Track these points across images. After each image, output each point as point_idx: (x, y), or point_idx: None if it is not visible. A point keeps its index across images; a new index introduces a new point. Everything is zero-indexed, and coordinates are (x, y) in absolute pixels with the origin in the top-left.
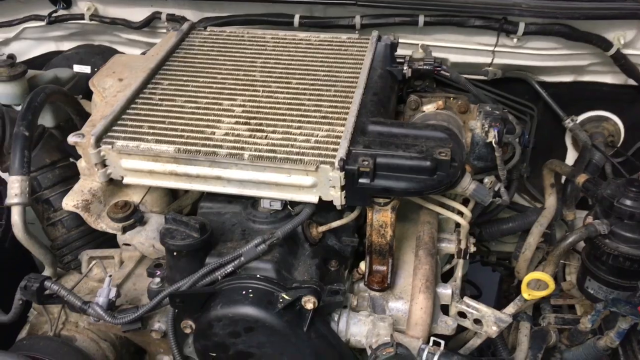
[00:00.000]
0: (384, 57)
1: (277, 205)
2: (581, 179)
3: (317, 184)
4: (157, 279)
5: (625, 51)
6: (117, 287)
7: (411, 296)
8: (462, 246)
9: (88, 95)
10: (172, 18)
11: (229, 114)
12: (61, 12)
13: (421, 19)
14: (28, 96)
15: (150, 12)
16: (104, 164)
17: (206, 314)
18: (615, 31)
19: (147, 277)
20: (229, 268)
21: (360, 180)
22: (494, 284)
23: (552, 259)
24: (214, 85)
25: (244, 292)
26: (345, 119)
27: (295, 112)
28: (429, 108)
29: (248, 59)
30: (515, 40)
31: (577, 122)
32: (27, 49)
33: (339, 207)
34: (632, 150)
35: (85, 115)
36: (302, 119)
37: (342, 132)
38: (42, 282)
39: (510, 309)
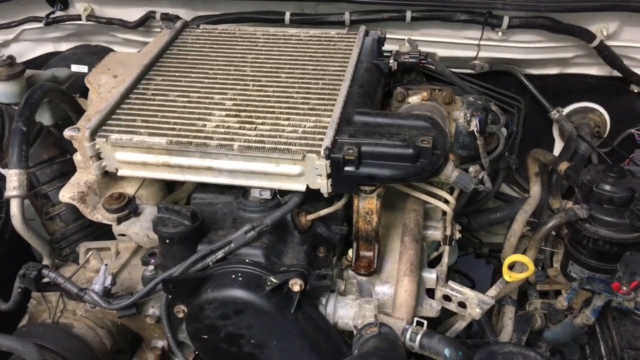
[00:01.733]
0: (371, 51)
1: (267, 195)
2: (563, 166)
3: (305, 172)
4: (151, 267)
5: (609, 43)
6: (113, 275)
7: (397, 280)
8: (448, 233)
9: (85, 93)
10: (166, 17)
11: (220, 107)
12: (58, 13)
13: (408, 15)
14: (26, 95)
15: (145, 11)
16: (98, 157)
17: (197, 297)
18: (599, 23)
19: (142, 265)
20: (220, 254)
21: (346, 169)
22: (489, 276)
23: (533, 243)
24: (206, 80)
25: (233, 276)
26: (331, 110)
27: (284, 105)
28: (414, 99)
29: (239, 55)
30: (500, 33)
31: (564, 113)
32: (26, 50)
33: (325, 195)
34: (617, 140)
35: (81, 113)
36: (291, 110)
37: (328, 122)
38: (40, 270)
39: (493, 291)
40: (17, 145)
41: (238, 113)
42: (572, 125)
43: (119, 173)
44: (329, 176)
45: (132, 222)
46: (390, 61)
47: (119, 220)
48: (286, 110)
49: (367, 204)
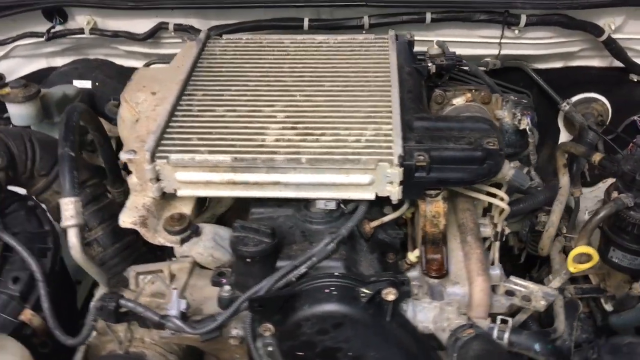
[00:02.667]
0: (406, 55)
1: (332, 205)
2: (597, 157)
3: (375, 181)
4: (227, 287)
5: (614, 36)
6: (186, 299)
7: (469, 280)
8: (499, 229)
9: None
10: (179, 28)
11: (273, 120)
12: (59, 27)
13: (428, 16)
14: (63, 116)
15: (154, 23)
16: (157, 178)
17: (292, 315)
18: (606, 18)
19: (211, 286)
20: (302, 269)
21: (417, 175)
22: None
23: (584, 233)
24: (249, 93)
25: (326, 291)
26: (389, 117)
27: (337, 114)
28: (458, 101)
29: (274, 65)
30: (516, 31)
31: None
32: (17, 67)
33: (394, 202)
34: (621, 127)
35: (103, 132)
36: (346, 120)
37: (389, 130)
38: (118, 300)
39: (556, 283)
40: (67, 172)
41: (294, 125)
42: (581, 116)
43: (179, 193)
44: (400, 183)
45: (195, 243)
46: (429, 64)
47: (182, 242)
48: (341, 120)
49: (434, 208)
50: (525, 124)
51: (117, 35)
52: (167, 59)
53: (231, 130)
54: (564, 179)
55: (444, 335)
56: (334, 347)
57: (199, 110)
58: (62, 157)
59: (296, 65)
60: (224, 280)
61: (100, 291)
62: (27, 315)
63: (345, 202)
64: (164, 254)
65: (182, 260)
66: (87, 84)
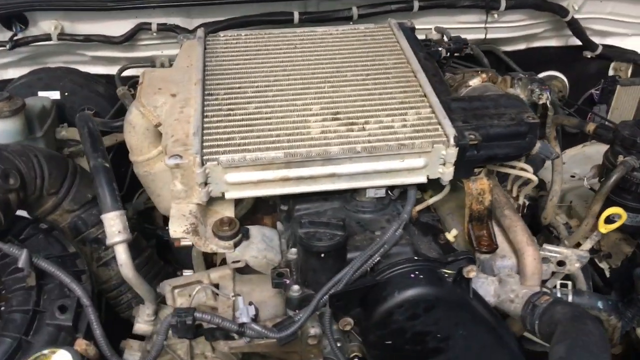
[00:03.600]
0: (415, 41)
1: (381, 193)
2: (591, 127)
3: (428, 164)
4: (295, 286)
5: (576, 16)
6: (254, 305)
7: (520, 251)
8: (520, 202)
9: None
10: (164, 27)
11: (310, 112)
12: (21, 34)
13: (416, 4)
14: (83, 128)
15: (133, 24)
16: (205, 182)
17: (381, 304)
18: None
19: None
20: (376, 258)
21: (468, 154)
22: None
23: (599, 197)
24: (274, 88)
25: (412, 276)
26: (423, 101)
27: (371, 102)
28: (474, 82)
29: (286, 58)
30: (495, 16)
31: None
32: None
33: (445, 183)
34: (580, 100)
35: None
36: (382, 107)
37: (429, 113)
38: (194, 314)
39: (588, 244)
40: (106, 184)
41: (334, 116)
42: None
43: (227, 196)
44: (455, 163)
45: (247, 246)
46: (439, 48)
47: (235, 246)
48: (377, 107)
49: (479, 185)
50: (545, 98)
51: (89, 39)
52: (142, 62)
53: (272, 126)
54: (557, 149)
55: (512, 305)
56: (424, 330)
57: (229, 109)
58: (96, 169)
59: (309, 57)
60: (288, 281)
61: (144, 309)
62: (81, 345)
63: (391, 188)
64: (177, 265)
65: (221, 268)
66: (54, 95)
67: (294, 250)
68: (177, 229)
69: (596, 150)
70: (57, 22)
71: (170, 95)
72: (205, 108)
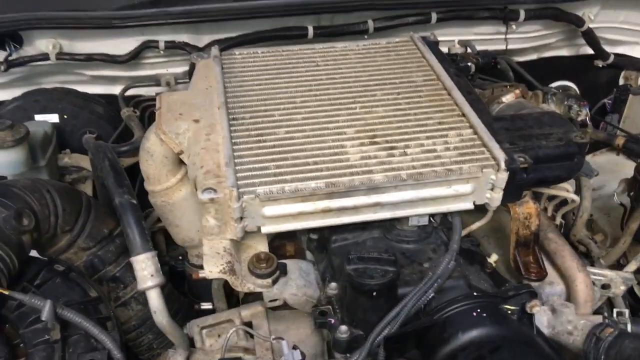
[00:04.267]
0: (442, 56)
1: (425, 220)
2: (620, 141)
3: (476, 189)
4: (343, 327)
5: (591, 26)
6: (299, 349)
7: (571, 277)
8: (557, 222)
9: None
10: (172, 45)
11: (345, 137)
12: (15, 55)
13: (434, 16)
14: (103, 160)
15: (138, 42)
16: (241, 217)
17: (444, 346)
18: (583, 9)
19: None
20: (431, 293)
21: (517, 177)
22: None
23: (638, 215)
24: (302, 110)
25: (474, 314)
26: (462, 121)
27: (408, 124)
28: (508, 98)
29: (309, 77)
30: (514, 27)
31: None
32: None
33: (493, 209)
34: (594, 109)
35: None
36: (420, 128)
37: (472, 134)
38: None
39: (632, 266)
40: (134, 224)
41: (372, 140)
42: None
43: (264, 230)
44: (505, 188)
45: (285, 284)
46: (468, 64)
47: (273, 284)
48: (415, 129)
49: (525, 209)
50: (585, 114)
51: (91, 59)
52: (145, 80)
53: (307, 153)
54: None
55: (570, 338)
56: None
57: (258, 135)
58: (123, 207)
59: (334, 75)
60: (333, 320)
61: (176, 356)
62: None
63: (433, 215)
64: (192, 298)
65: (252, 305)
66: (53, 118)
67: (333, 285)
68: (212, 269)
69: (606, 160)
70: (55, 40)
71: (192, 121)
72: (232, 134)
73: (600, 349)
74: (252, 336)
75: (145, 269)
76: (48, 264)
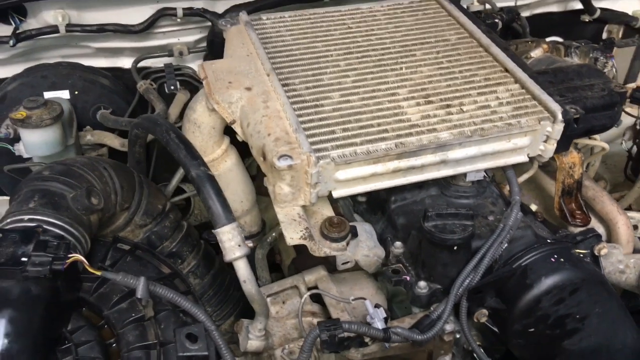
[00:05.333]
0: (469, 14)
1: (480, 176)
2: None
3: (532, 142)
4: (422, 283)
5: None
6: (382, 306)
7: (612, 220)
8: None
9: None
10: (190, 12)
11: (399, 97)
12: (21, 28)
13: None
14: (168, 133)
15: (153, 9)
16: (316, 182)
17: (527, 292)
18: None
19: (393, 287)
20: (504, 244)
21: (570, 128)
22: None
23: None
24: (350, 73)
25: (553, 260)
26: (507, 76)
27: (456, 82)
28: (536, 53)
29: (346, 39)
30: None
31: None
32: None
33: (545, 160)
34: None
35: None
36: (469, 85)
37: (519, 88)
38: (341, 326)
39: None
40: (215, 195)
41: (427, 99)
42: None
43: (335, 194)
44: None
45: (356, 245)
46: (496, 20)
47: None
48: (465, 87)
49: (570, 158)
50: (611, 66)
51: (103, 29)
52: (156, 51)
53: (368, 115)
54: None
55: (623, 276)
56: (566, 313)
57: (314, 99)
58: (201, 179)
59: (369, 37)
60: (407, 277)
61: (255, 324)
62: None
63: (486, 170)
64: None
65: (314, 270)
66: (64, 94)
67: (398, 244)
68: (293, 236)
69: None
70: (63, 11)
71: (245, 89)
72: (289, 101)
73: None
74: (316, 300)
75: (232, 239)
76: (113, 243)
